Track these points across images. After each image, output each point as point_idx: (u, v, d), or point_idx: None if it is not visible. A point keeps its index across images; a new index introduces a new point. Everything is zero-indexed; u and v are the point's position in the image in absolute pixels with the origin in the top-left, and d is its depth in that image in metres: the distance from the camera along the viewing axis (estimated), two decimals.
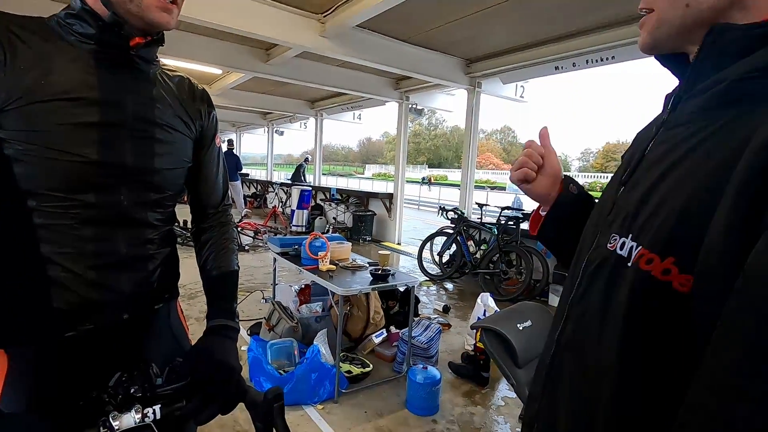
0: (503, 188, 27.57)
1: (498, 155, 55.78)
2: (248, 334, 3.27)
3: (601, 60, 4.70)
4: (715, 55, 0.46)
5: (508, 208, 5.29)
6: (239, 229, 6.76)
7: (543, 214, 0.79)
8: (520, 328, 1.51)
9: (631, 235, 0.48)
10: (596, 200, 0.75)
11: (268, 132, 13.86)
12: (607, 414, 0.48)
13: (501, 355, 1.45)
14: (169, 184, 0.86)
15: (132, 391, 0.67)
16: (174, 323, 0.97)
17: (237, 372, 0.80)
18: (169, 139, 0.85)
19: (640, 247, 0.46)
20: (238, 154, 10.96)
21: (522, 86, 6.73)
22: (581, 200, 0.76)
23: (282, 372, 2.49)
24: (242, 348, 2.87)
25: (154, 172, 0.82)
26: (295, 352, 2.68)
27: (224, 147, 9.87)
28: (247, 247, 6.51)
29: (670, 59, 0.56)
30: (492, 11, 4.20)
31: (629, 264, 0.47)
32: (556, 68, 5.17)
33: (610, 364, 0.48)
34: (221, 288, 0.94)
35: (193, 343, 0.87)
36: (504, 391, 2.75)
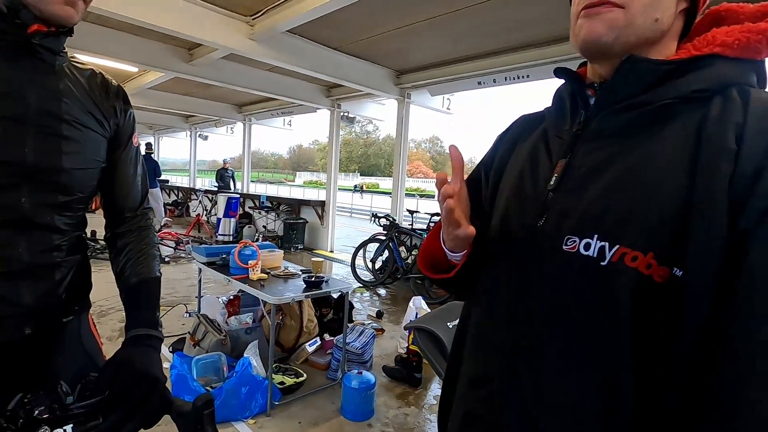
0: (432, 196, 28.62)
1: (427, 164, 57.81)
2: (170, 351, 3.04)
3: (518, 78, 5.11)
4: (632, 79, 0.54)
5: (436, 214, 5.52)
6: (158, 239, 6.26)
7: (455, 254, 0.67)
8: (450, 327, 1.59)
9: (597, 236, 0.52)
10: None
11: (190, 136, 13.06)
12: (608, 407, 0.50)
13: (433, 353, 1.52)
14: (78, 185, 0.79)
15: (36, 413, 0.61)
16: (85, 337, 0.89)
17: (161, 383, 0.75)
18: (79, 137, 0.78)
19: (617, 246, 0.50)
20: (156, 159, 10.19)
21: (449, 99, 7.07)
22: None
23: (209, 388, 2.35)
24: (164, 366, 2.66)
25: (61, 171, 0.75)
26: (224, 367, 2.55)
27: (142, 150, 9.11)
28: (167, 259, 6.06)
29: (567, 73, 0.63)
30: (418, 27, 4.39)
31: (604, 263, 0.51)
32: (479, 83, 5.52)
33: (607, 358, 0.50)
34: (142, 296, 0.87)
35: (107, 358, 0.81)
36: (436, 390, 2.84)
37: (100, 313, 3.72)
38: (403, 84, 6.29)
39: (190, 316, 3.76)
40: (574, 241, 0.53)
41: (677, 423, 0.47)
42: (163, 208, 9.34)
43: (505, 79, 5.22)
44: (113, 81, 0.91)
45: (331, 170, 7.78)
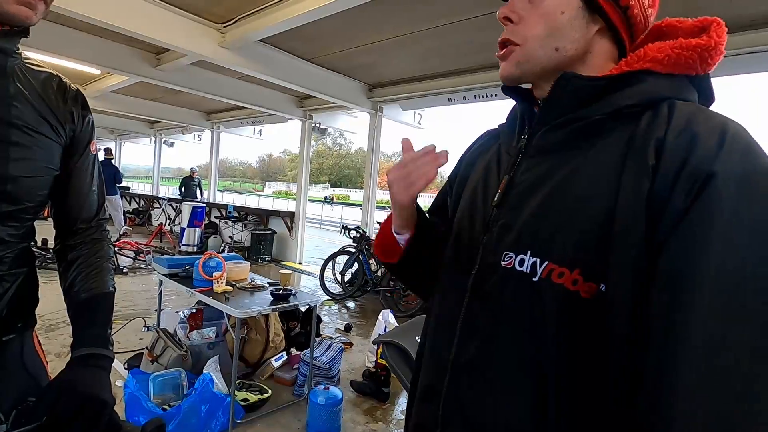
0: None
1: None
2: (125, 368, 2.88)
3: (486, 96, 5.28)
4: (566, 96, 0.55)
5: None
6: (116, 249, 5.97)
7: (400, 236, 0.70)
8: (418, 340, 1.59)
9: (530, 252, 0.52)
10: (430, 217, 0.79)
11: (155, 142, 12.63)
12: (545, 418, 0.50)
13: (401, 367, 1.51)
14: (26, 194, 0.75)
15: None
16: (29, 357, 0.82)
17: (109, 406, 0.70)
18: (30, 143, 0.74)
19: (546, 263, 0.51)
20: (117, 165, 9.78)
21: (420, 114, 7.20)
22: (430, 226, 0.73)
23: (167, 407, 2.23)
24: (117, 383, 2.52)
25: (7, 179, 0.71)
26: (183, 384, 2.43)
27: (101, 156, 8.74)
28: (125, 269, 5.77)
29: (515, 91, 0.65)
30: (390, 43, 4.47)
31: (535, 279, 0.51)
32: (449, 100, 5.66)
33: (538, 375, 0.51)
34: (92, 312, 0.82)
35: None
36: (404, 404, 2.82)
37: (48, 327, 3.48)
38: (375, 98, 6.36)
39: (148, 330, 3.58)
40: (511, 257, 0.55)
41: None
42: (122, 217, 8.94)
43: (475, 96, 5.38)
44: (71, 85, 0.87)
45: (301, 181, 7.71)
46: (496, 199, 0.60)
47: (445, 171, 0.83)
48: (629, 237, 0.46)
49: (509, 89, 0.65)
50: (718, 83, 0.58)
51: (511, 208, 0.57)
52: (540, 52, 0.56)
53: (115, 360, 2.93)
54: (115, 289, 0.89)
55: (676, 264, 0.43)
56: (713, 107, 0.55)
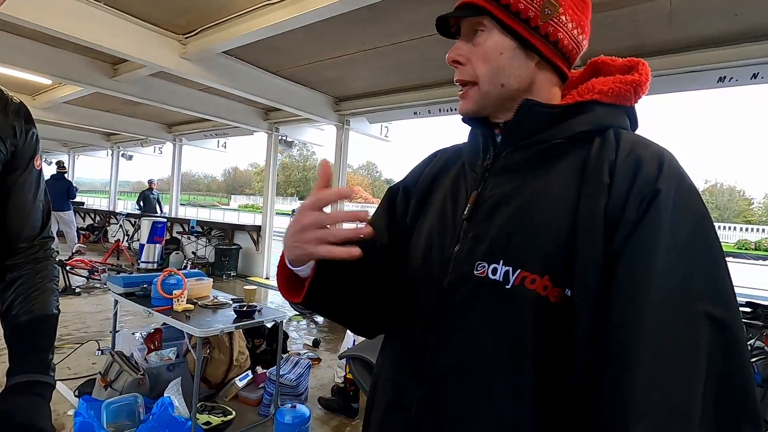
0: None
1: (367, 189, 58.43)
2: (76, 396, 2.70)
3: (451, 110, 5.41)
4: (527, 121, 0.61)
5: None
6: (69, 267, 5.64)
7: (298, 268, 0.62)
8: None
9: (502, 261, 0.56)
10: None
11: (112, 155, 12.09)
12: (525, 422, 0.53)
13: (367, 381, 1.49)
14: None
15: None
16: None
17: None
18: None
19: (519, 270, 0.55)
20: (70, 179, 9.28)
21: (386, 126, 7.28)
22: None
23: None
24: (68, 413, 2.35)
25: None
26: (140, 410, 2.30)
27: (53, 170, 8.28)
28: (78, 290, 5.45)
29: (472, 119, 0.69)
30: (356, 57, 4.52)
31: (508, 286, 0.55)
32: (415, 113, 5.76)
33: (515, 376, 0.54)
34: (31, 336, 0.77)
35: None
36: None
37: None
38: (342, 110, 6.38)
39: (102, 353, 3.38)
40: (484, 267, 0.58)
41: None
42: (76, 233, 8.46)
43: (439, 110, 5.50)
44: (14, 98, 0.82)
45: (267, 194, 7.58)
46: (465, 212, 0.63)
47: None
48: (591, 245, 0.52)
49: (467, 119, 0.70)
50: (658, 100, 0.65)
51: (481, 221, 0.61)
52: (490, 88, 0.63)
53: (65, 387, 2.76)
54: (59, 311, 0.84)
55: (631, 268, 0.49)
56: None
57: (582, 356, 0.51)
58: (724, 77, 3.59)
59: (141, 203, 9.93)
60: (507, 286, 0.55)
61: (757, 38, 3.35)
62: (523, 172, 0.62)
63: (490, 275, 0.57)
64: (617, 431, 0.46)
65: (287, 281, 0.65)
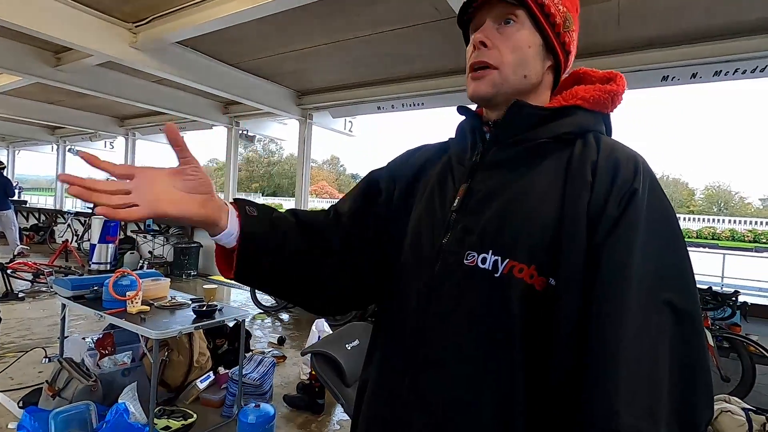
0: None
1: (332, 184, 57.93)
2: (20, 407, 2.53)
3: (414, 105, 5.44)
4: (517, 120, 0.66)
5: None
6: (10, 271, 5.25)
7: (218, 237, 0.62)
8: (348, 348, 1.58)
9: (492, 251, 0.60)
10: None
11: (58, 150, 11.32)
12: (517, 406, 0.56)
13: (330, 377, 1.49)
14: None
15: None
16: None
17: None
18: None
19: (507, 260, 0.58)
20: (9, 176, 8.63)
21: (350, 121, 7.23)
22: (273, 220, 0.67)
23: None
24: (9, 426, 2.20)
25: None
26: (93, 418, 2.19)
27: None
28: (21, 294, 5.09)
29: (468, 111, 0.74)
30: (318, 50, 4.45)
31: (497, 275, 0.59)
32: (378, 108, 5.75)
33: (503, 360, 0.57)
34: None
35: None
36: (339, 415, 2.79)
37: None
38: (304, 105, 6.28)
39: (49, 361, 3.19)
40: (473, 256, 0.61)
41: (563, 419, 0.54)
42: (17, 234, 7.89)
43: (403, 105, 5.52)
44: None
45: (228, 190, 7.36)
46: (455, 204, 0.66)
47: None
48: (574, 237, 0.56)
49: (463, 109, 0.75)
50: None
51: (470, 213, 0.65)
52: (513, 77, 0.65)
53: (7, 399, 2.58)
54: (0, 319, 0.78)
55: (613, 258, 0.54)
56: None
57: (563, 340, 0.54)
58: (667, 76, 3.81)
59: None
60: (496, 275, 0.59)
61: (696, 40, 3.58)
62: (510, 167, 0.65)
63: (480, 264, 0.60)
64: (603, 408, 0.50)
65: (222, 258, 0.66)
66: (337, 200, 0.81)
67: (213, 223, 0.60)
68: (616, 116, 0.71)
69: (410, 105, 5.49)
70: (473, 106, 0.76)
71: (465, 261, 0.61)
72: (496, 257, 0.59)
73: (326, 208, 0.78)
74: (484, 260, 0.60)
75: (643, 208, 0.56)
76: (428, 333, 0.63)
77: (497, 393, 0.57)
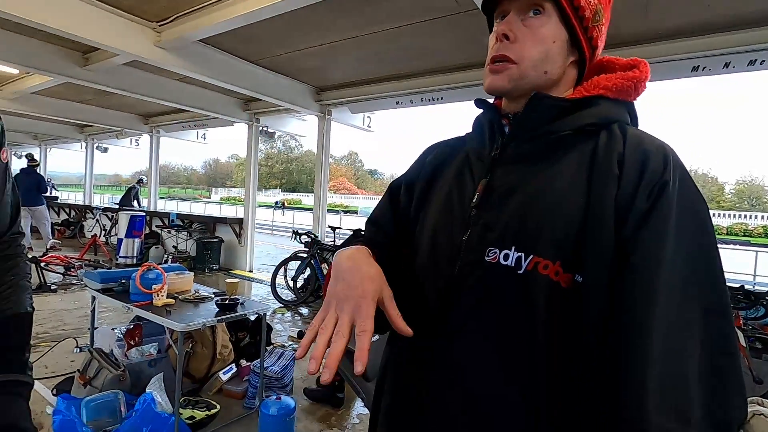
0: (356, 212, 28.81)
1: (351, 180, 58.15)
2: (54, 395, 2.64)
3: (433, 99, 5.41)
4: (537, 113, 0.64)
5: (358, 230, 5.54)
6: (43, 264, 5.47)
7: None
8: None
9: (514, 247, 0.58)
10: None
11: (86, 148, 11.71)
12: (540, 405, 0.55)
13: (351, 371, 1.50)
14: None
15: None
16: None
17: None
18: None
19: (531, 256, 0.56)
20: (43, 173, 8.98)
21: (369, 117, 7.24)
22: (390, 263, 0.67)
23: None
24: (47, 411, 2.31)
25: None
26: (122, 406, 2.27)
27: (23, 164, 7.97)
28: (54, 287, 5.30)
29: (486, 104, 0.71)
30: (336, 46, 4.46)
31: (520, 271, 0.57)
32: (397, 103, 5.73)
33: (526, 362, 0.56)
34: (5, 335, 0.75)
35: None
36: (359, 409, 2.81)
37: None
38: (323, 101, 6.31)
39: (81, 351, 3.32)
40: (495, 253, 0.59)
41: (587, 417, 0.52)
42: (50, 229, 8.21)
43: (422, 100, 5.49)
44: None
45: (249, 186, 7.48)
46: (474, 200, 0.64)
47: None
48: (601, 232, 0.54)
49: (481, 102, 0.71)
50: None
51: (491, 209, 0.62)
52: (532, 72, 0.63)
53: (42, 386, 2.70)
54: (33, 309, 0.82)
55: (644, 254, 0.52)
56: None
57: (590, 338, 0.53)
58: (698, 66, 3.67)
59: (130, 198, 9.84)
60: (519, 272, 0.57)
61: (729, 28, 3.43)
62: (532, 161, 0.63)
63: (502, 261, 0.58)
64: (634, 403, 0.48)
65: None
66: (372, 209, 0.82)
67: None
68: (640, 107, 0.68)
69: (429, 100, 5.45)
70: (491, 99, 0.73)
71: (486, 258, 0.59)
72: (520, 253, 0.57)
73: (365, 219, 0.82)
74: (506, 257, 0.58)
75: (673, 202, 0.53)
76: (450, 333, 0.61)
77: (519, 394, 0.56)
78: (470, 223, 0.63)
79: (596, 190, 0.56)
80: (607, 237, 0.54)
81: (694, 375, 0.49)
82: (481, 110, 0.73)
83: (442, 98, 5.33)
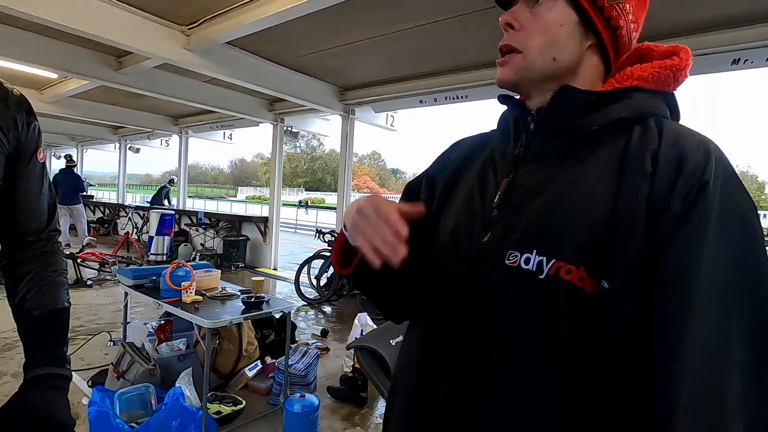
0: None
1: (374, 179, 58.31)
2: (90, 386, 2.75)
3: (457, 98, 5.34)
4: (564, 107, 0.59)
5: None
6: (80, 260, 5.72)
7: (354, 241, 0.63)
8: (393, 344, 1.58)
9: (536, 251, 0.54)
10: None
11: (120, 149, 12.16)
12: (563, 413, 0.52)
13: (375, 371, 1.49)
14: None
15: None
16: None
17: (69, 428, 0.67)
18: None
19: (553, 260, 0.53)
20: (79, 173, 9.38)
21: (392, 116, 7.22)
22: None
23: (135, 425, 2.14)
24: (83, 402, 2.40)
25: None
26: (152, 400, 2.34)
27: (62, 164, 8.36)
28: (89, 282, 5.53)
29: (508, 99, 0.67)
30: (360, 45, 4.46)
31: (541, 276, 0.53)
32: (420, 101, 5.70)
33: (547, 369, 0.53)
34: (45, 330, 0.78)
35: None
36: (382, 408, 2.81)
37: (4, 346, 3.29)
38: (347, 100, 6.33)
39: (114, 344, 3.44)
40: (516, 256, 0.56)
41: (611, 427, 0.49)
42: (86, 227, 8.57)
43: (445, 98, 5.44)
44: (14, 90, 0.82)
45: (274, 185, 7.59)
46: (496, 200, 0.61)
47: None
48: (631, 236, 0.50)
49: (504, 98, 0.68)
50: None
51: (513, 210, 0.59)
52: (539, 61, 0.60)
53: (79, 378, 2.81)
54: (70, 304, 0.85)
55: (678, 261, 0.47)
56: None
57: (617, 348, 0.49)
58: (739, 59, 3.49)
59: (163, 197, 10.19)
60: (540, 276, 0.54)
61: None
62: (557, 160, 0.59)
63: (523, 265, 0.55)
64: (661, 420, 0.45)
65: (340, 255, 0.70)
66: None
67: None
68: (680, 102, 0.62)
69: (453, 98, 5.39)
70: (517, 96, 0.69)
71: (507, 261, 0.56)
72: (541, 257, 0.54)
73: None
74: (527, 260, 0.55)
75: (715, 204, 0.48)
76: (468, 337, 0.59)
77: (543, 401, 0.53)
78: (491, 224, 0.61)
79: (626, 189, 0.52)
80: (636, 241, 0.49)
81: (733, 392, 0.44)
82: (505, 107, 0.70)
83: (466, 96, 5.26)
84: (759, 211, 0.54)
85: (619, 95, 0.58)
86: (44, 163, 0.87)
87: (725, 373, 0.45)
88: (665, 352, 0.46)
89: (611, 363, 0.50)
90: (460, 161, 0.74)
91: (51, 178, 0.96)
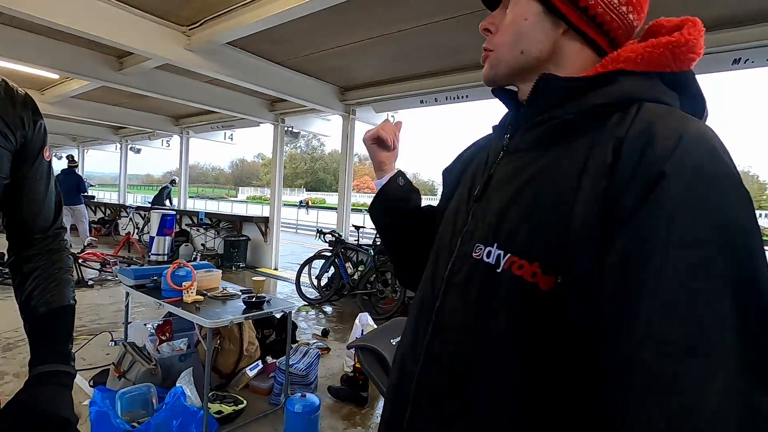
0: None
1: (374, 179, 58.24)
2: (91, 386, 2.75)
3: (458, 98, 5.34)
4: (544, 96, 0.57)
5: None
6: (81, 260, 5.72)
7: (379, 180, 0.87)
8: (393, 343, 1.58)
9: (496, 244, 0.55)
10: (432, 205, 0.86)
11: (121, 149, 12.18)
12: (513, 406, 0.52)
13: (376, 371, 1.50)
14: None
15: None
16: None
17: (73, 425, 0.67)
18: None
19: (508, 255, 0.53)
20: (81, 174, 9.39)
21: (393, 116, 7.22)
22: (407, 192, 0.85)
23: (136, 424, 2.15)
24: (83, 402, 2.41)
25: None
26: (153, 399, 2.34)
27: (64, 164, 8.37)
28: (91, 282, 5.54)
29: (504, 94, 0.68)
30: (361, 45, 4.46)
31: (498, 270, 0.53)
32: (421, 102, 5.69)
33: (503, 363, 0.52)
34: (51, 327, 0.78)
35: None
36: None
37: (6, 346, 3.30)
38: (347, 100, 6.34)
39: (115, 344, 3.44)
40: (481, 249, 0.57)
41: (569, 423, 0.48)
42: (88, 227, 8.58)
43: (446, 98, 5.43)
44: (19, 89, 0.82)
45: (275, 186, 7.59)
46: (476, 193, 0.63)
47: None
48: (586, 234, 0.47)
49: (499, 93, 0.68)
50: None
51: (485, 203, 0.60)
52: (507, 55, 0.61)
53: (80, 378, 2.82)
54: (75, 301, 0.85)
55: (620, 270, 0.43)
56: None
57: (572, 346, 0.48)
58: (739, 59, 3.48)
59: (165, 197, 10.20)
60: (497, 270, 0.54)
61: None
62: (533, 150, 0.58)
63: (485, 258, 0.56)
64: (621, 412, 0.41)
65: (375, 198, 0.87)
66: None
67: (381, 169, 0.87)
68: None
69: (454, 98, 5.39)
70: (513, 88, 0.69)
71: (473, 254, 0.57)
72: (500, 251, 0.54)
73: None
74: (489, 254, 0.55)
75: (674, 201, 0.41)
76: (436, 327, 0.61)
77: (499, 393, 0.52)
78: (469, 217, 0.62)
79: (585, 182, 0.48)
80: (591, 238, 0.46)
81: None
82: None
83: (467, 96, 5.26)
84: (761, 211, 0.49)
85: (602, 80, 0.54)
86: (50, 161, 0.88)
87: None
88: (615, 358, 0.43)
89: (566, 358, 0.48)
90: (468, 160, 0.77)
91: None
